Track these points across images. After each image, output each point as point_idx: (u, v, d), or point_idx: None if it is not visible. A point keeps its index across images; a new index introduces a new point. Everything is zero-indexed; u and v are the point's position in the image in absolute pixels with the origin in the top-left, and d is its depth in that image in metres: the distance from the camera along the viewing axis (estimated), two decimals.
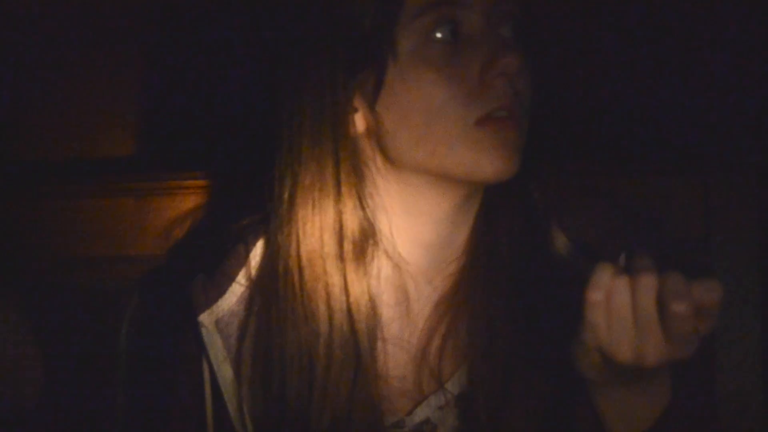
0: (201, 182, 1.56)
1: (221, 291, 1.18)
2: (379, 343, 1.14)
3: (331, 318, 1.11)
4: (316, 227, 1.11)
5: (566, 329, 0.98)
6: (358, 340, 1.11)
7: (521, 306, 1.11)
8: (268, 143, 1.16)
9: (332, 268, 1.11)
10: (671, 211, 1.51)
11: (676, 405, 1.00)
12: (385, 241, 1.14)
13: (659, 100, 1.64)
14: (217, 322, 1.17)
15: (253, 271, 1.18)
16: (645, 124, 1.64)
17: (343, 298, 1.11)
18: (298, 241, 1.12)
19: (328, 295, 1.11)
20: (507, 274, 1.13)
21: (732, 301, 1.48)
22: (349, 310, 1.11)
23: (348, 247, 1.12)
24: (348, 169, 1.11)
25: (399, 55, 1.08)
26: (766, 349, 1.50)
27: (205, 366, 1.19)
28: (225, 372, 1.17)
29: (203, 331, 1.17)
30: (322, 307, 1.12)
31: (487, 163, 1.08)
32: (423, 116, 1.08)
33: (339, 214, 1.11)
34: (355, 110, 1.11)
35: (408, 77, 1.08)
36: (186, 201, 1.56)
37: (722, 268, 1.49)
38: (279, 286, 1.14)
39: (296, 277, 1.12)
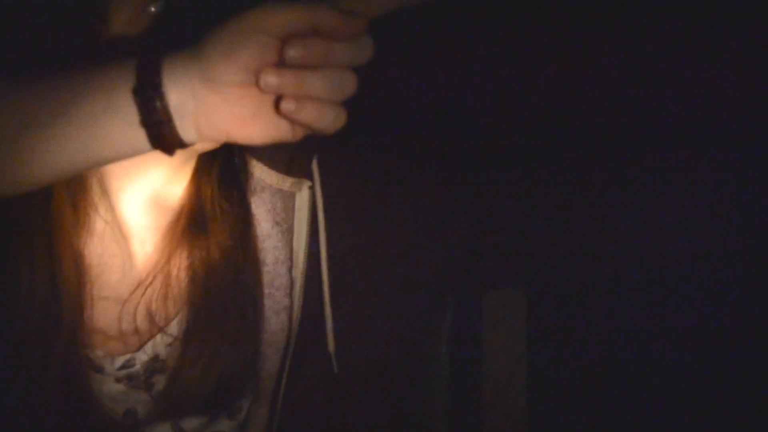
0: None
1: None
2: (90, 299, 1.16)
3: (32, 277, 1.12)
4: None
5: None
6: (60, 298, 1.12)
7: (236, 250, 1.18)
8: None
9: (38, 228, 1.12)
10: None
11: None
12: (99, 201, 1.16)
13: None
14: None
15: None
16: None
17: (48, 256, 1.12)
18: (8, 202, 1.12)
19: (31, 255, 1.12)
20: (217, 223, 1.18)
21: None
22: (52, 269, 1.12)
23: (56, 206, 1.12)
24: None
25: (111, 26, 1.08)
26: (530, 322, 1.53)
27: None
28: None
29: None
30: (25, 268, 1.12)
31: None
32: None
33: None
34: None
35: None
36: None
37: None
38: None
39: (6, 240, 1.12)
